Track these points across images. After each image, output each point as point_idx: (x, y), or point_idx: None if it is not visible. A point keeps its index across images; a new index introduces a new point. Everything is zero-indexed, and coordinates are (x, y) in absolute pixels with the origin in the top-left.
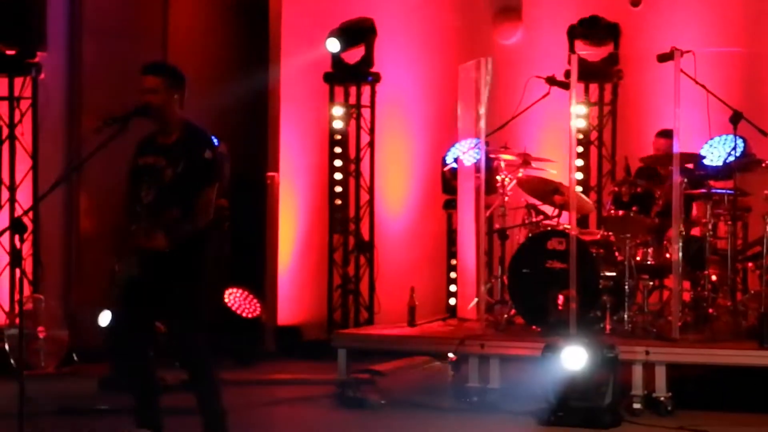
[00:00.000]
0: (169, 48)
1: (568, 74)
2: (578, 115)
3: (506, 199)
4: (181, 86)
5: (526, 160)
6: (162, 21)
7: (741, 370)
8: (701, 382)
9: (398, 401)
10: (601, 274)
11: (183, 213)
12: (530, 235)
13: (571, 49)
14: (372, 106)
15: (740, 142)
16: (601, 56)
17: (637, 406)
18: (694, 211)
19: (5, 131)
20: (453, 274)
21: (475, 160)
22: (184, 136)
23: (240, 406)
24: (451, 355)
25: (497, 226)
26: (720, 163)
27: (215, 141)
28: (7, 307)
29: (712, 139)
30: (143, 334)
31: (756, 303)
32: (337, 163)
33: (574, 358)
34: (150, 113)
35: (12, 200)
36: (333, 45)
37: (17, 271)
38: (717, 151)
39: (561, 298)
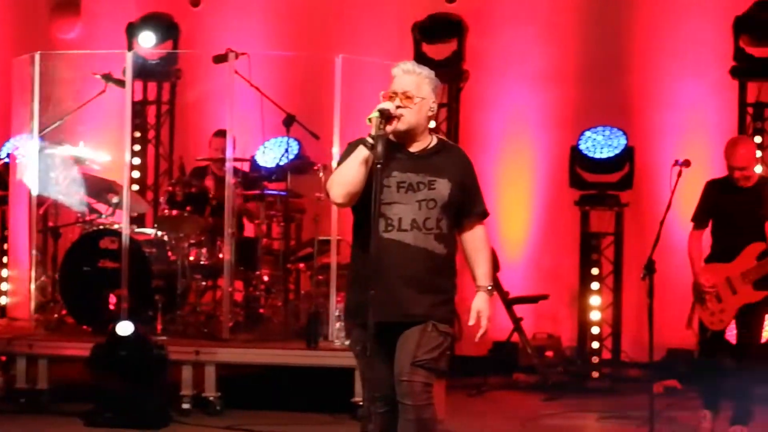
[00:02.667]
0: None
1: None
2: (135, 113)
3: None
4: None
5: (78, 158)
6: None
7: (290, 369)
8: (252, 382)
9: None
10: (154, 274)
11: None
12: (83, 233)
13: (129, 47)
14: None
15: (294, 145)
16: (161, 54)
17: (186, 405)
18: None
19: None
20: (5, 272)
21: None
22: None
23: None
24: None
25: (51, 223)
26: (274, 165)
27: None
28: None
29: (267, 141)
30: None
31: (307, 304)
32: None
33: (123, 357)
34: None
35: None
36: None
37: None
38: (272, 153)
39: (113, 297)
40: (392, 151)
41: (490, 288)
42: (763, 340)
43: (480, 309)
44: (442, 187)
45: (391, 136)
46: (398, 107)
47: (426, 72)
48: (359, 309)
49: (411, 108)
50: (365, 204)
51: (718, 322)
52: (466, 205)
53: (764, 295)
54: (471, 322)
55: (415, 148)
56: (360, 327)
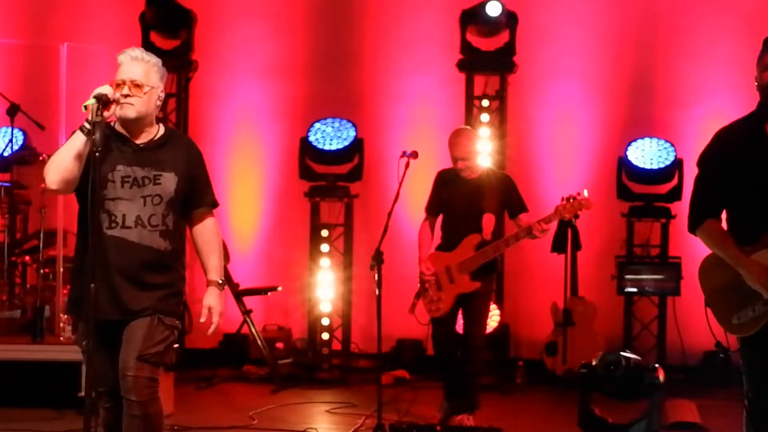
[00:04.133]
0: None
1: None
2: None
3: None
4: None
5: None
6: None
7: (15, 364)
8: None
9: None
10: None
11: None
12: None
13: None
14: None
15: (19, 135)
16: None
17: None
18: None
19: None
20: None
21: None
22: None
23: None
24: None
25: None
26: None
27: None
28: None
29: None
30: None
31: (32, 297)
32: None
33: None
34: None
35: None
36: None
37: None
38: None
39: None
40: (117, 143)
41: (221, 282)
42: (487, 331)
43: (211, 305)
44: (168, 182)
45: (119, 128)
46: (127, 96)
47: (154, 60)
48: (83, 303)
49: (141, 97)
50: (89, 196)
51: (435, 309)
52: (195, 197)
53: (479, 285)
54: (202, 319)
55: (141, 139)
56: (86, 322)
